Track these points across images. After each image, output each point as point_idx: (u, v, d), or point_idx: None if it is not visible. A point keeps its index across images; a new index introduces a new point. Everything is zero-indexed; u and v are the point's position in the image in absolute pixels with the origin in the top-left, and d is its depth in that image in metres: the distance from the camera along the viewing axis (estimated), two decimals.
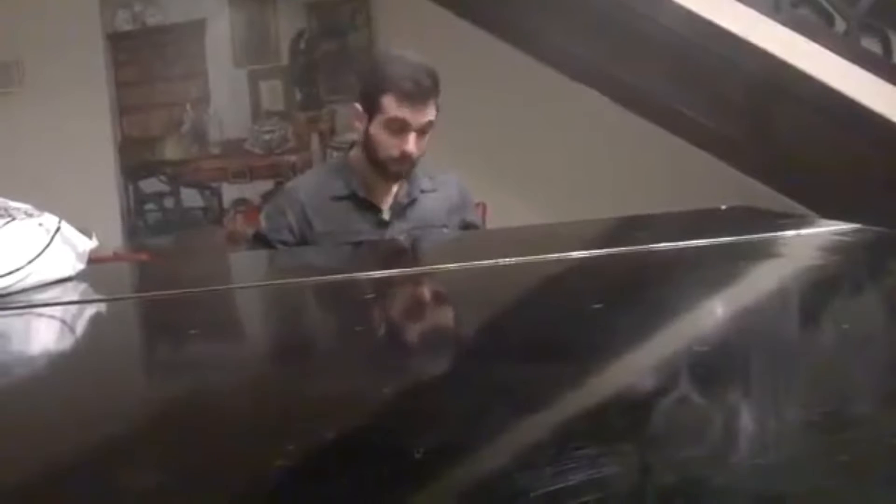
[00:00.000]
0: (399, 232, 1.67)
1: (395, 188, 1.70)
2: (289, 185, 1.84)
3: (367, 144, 1.65)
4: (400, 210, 1.69)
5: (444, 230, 1.73)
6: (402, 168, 1.65)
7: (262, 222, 1.72)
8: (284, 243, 1.65)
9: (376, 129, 1.62)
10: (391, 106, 1.59)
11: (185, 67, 4.15)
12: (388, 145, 1.61)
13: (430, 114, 1.61)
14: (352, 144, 1.77)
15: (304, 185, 1.75)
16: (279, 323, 0.93)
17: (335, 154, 3.86)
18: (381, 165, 1.64)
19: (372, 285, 1.05)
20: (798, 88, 2.42)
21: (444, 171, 1.82)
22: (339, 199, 1.67)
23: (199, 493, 0.41)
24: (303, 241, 1.66)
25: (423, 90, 1.59)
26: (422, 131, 1.62)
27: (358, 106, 1.66)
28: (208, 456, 0.46)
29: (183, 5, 4.12)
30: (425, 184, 1.74)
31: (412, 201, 1.71)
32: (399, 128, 1.60)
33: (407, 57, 1.65)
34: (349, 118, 1.70)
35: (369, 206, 1.68)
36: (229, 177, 4.17)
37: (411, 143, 1.61)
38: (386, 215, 1.68)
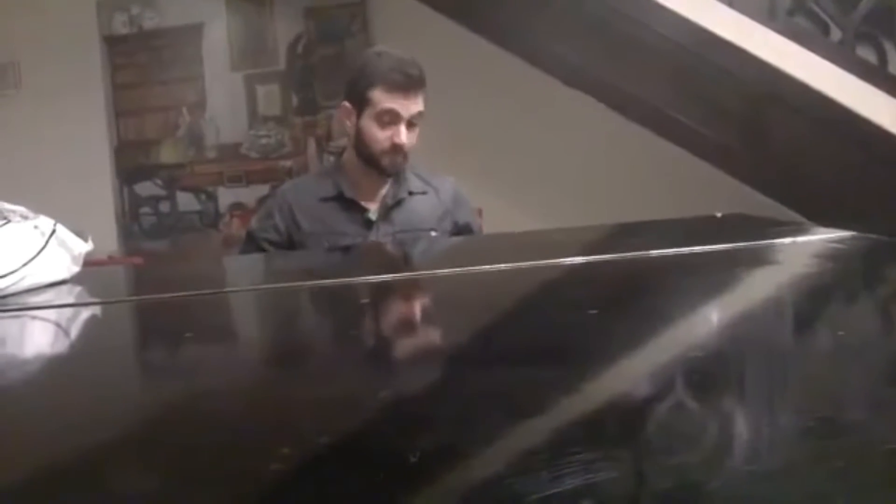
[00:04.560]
0: (384, 234, 1.68)
1: (383, 190, 1.71)
2: (282, 186, 1.88)
3: (359, 140, 1.66)
4: (386, 211, 1.69)
5: (432, 233, 1.72)
6: (395, 160, 1.65)
7: (254, 222, 1.76)
8: (271, 243, 1.68)
9: (367, 123, 1.63)
10: (381, 98, 1.60)
11: (182, 71, 4.15)
12: (380, 138, 1.62)
13: (418, 104, 1.63)
14: (343, 149, 1.78)
15: (294, 187, 1.78)
16: (274, 327, 0.93)
17: (332, 159, 3.87)
18: (374, 160, 1.65)
19: (367, 290, 1.05)
20: (793, 97, 2.43)
21: (441, 175, 1.83)
22: (327, 199, 1.69)
23: (194, 497, 0.41)
24: (290, 241, 1.68)
25: (411, 80, 1.60)
26: (411, 123, 1.63)
27: (346, 103, 1.67)
28: (203, 460, 0.46)
29: (180, 9, 4.12)
30: (415, 185, 1.74)
31: (398, 202, 1.71)
32: (390, 119, 1.61)
33: (393, 51, 1.67)
34: (338, 118, 1.72)
35: (356, 207, 1.69)
36: (225, 181, 4.16)
37: (402, 134, 1.62)
38: (372, 215, 1.69)
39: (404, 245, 1.66)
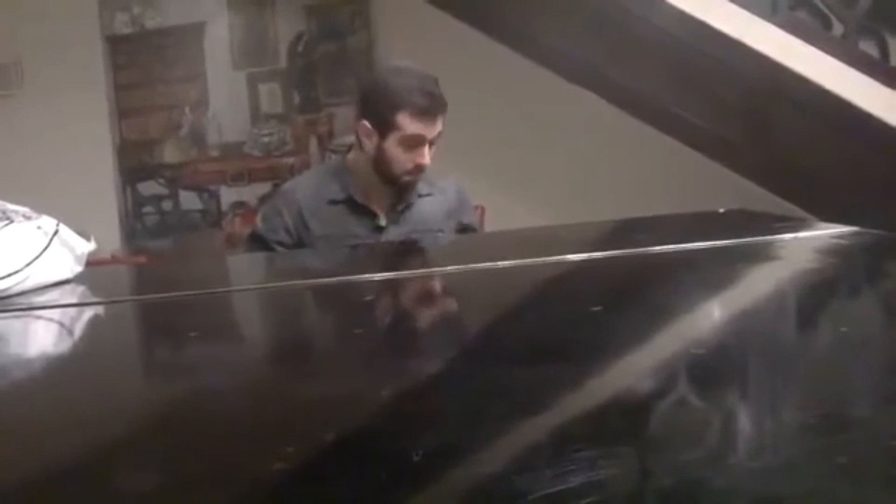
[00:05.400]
0: (395, 236, 1.68)
1: (391, 194, 1.70)
2: (286, 186, 1.84)
3: (381, 160, 1.64)
4: (396, 215, 1.69)
5: (440, 234, 1.73)
6: (414, 178, 1.66)
7: (259, 223, 1.72)
8: (281, 244, 1.66)
9: (391, 146, 1.61)
10: (407, 123, 1.58)
11: (184, 70, 4.15)
12: (404, 160, 1.62)
13: (441, 124, 1.62)
14: (349, 147, 1.77)
15: (302, 187, 1.74)
16: (278, 325, 0.93)
17: (333, 157, 3.87)
18: (394, 178, 1.65)
19: (371, 288, 1.05)
20: (795, 91, 2.42)
21: (443, 176, 1.83)
22: (336, 202, 1.68)
23: (198, 496, 0.41)
24: (299, 243, 1.66)
25: (436, 103, 1.59)
26: (432, 142, 1.63)
27: (367, 123, 1.64)
28: (207, 459, 0.46)
29: (182, 8, 4.12)
30: (422, 188, 1.74)
31: (408, 206, 1.71)
32: (415, 143, 1.60)
33: (411, 69, 1.64)
34: (356, 133, 1.69)
35: (365, 211, 1.68)
36: (228, 179, 4.17)
37: (426, 156, 1.62)
38: (382, 220, 1.68)
39: (409, 243, 1.66)
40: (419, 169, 1.63)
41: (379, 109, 1.62)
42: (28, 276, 1.01)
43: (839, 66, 2.39)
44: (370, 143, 1.65)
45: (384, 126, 1.61)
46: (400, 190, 1.68)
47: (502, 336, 0.73)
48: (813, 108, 2.43)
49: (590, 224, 1.84)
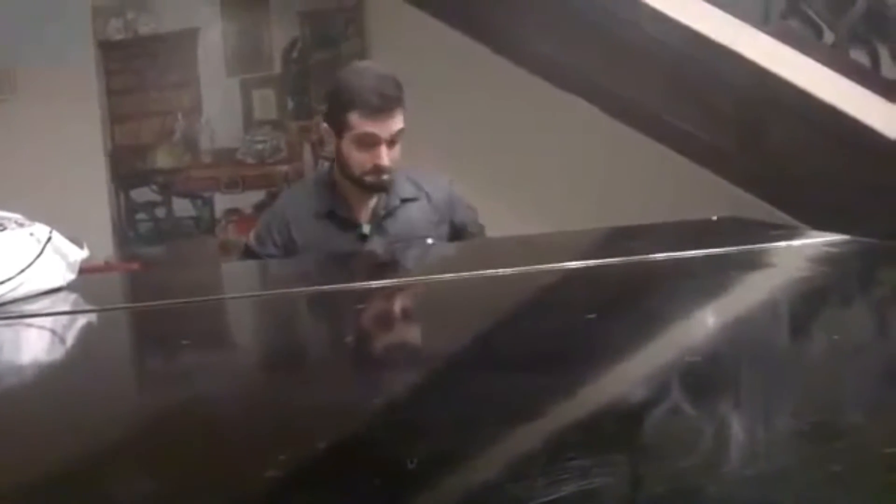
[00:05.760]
0: (379, 245, 1.67)
1: (372, 201, 1.69)
2: (278, 201, 1.89)
3: (340, 161, 1.66)
4: (378, 223, 1.68)
5: (428, 241, 1.72)
6: (378, 180, 1.64)
7: (252, 238, 1.75)
8: (270, 257, 1.68)
9: (347, 146, 1.62)
10: (358, 122, 1.58)
11: (178, 76, 4.14)
12: (361, 160, 1.61)
13: (398, 123, 1.60)
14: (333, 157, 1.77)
15: (290, 201, 1.78)
16: (271, 333, 0.93)
17: (325, 164, 3.87)
18: (358, 181, 1.64)
19: (364, 296, 1.05)
20: (787, 100, 2.43)
21: (433, 174, 1.81)
22: (320, 215, 1.69)
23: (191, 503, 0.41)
24: (287, 256, 1.68)
25: (388, 102, 1.58)
26: (392, 141, 1.61)
27: (325, 125, 1.67)
28: (200, 467, 0.46)
29: (175, 14, 4.12)
30: (407, 191, 1.72)
31: (391, 212, 1.70)
32: (370, 142, 1.59)
33: (368, 69, 1.65)
34: (323, 136, 1.72)
35: (349, 222, 1.68)
36: (221, 186, 4.16)
37: (383, 156, 1.60)
38: (365, 229, 1.68)
39: (405, 251, 1.66)
40: (378, 170, 1.61)
41: (334, 110, 1.63)
42: (20, 283, 1.01)
43: (831, 75, 2.40)
44: (331, 146, 1.68)
45: (339, 126, 1.62)
46: (369, 191, 1.67)
47: (496, 344, 0.73)
48: (805, 116, 2.44)
49: (583, 232, 1.84)
